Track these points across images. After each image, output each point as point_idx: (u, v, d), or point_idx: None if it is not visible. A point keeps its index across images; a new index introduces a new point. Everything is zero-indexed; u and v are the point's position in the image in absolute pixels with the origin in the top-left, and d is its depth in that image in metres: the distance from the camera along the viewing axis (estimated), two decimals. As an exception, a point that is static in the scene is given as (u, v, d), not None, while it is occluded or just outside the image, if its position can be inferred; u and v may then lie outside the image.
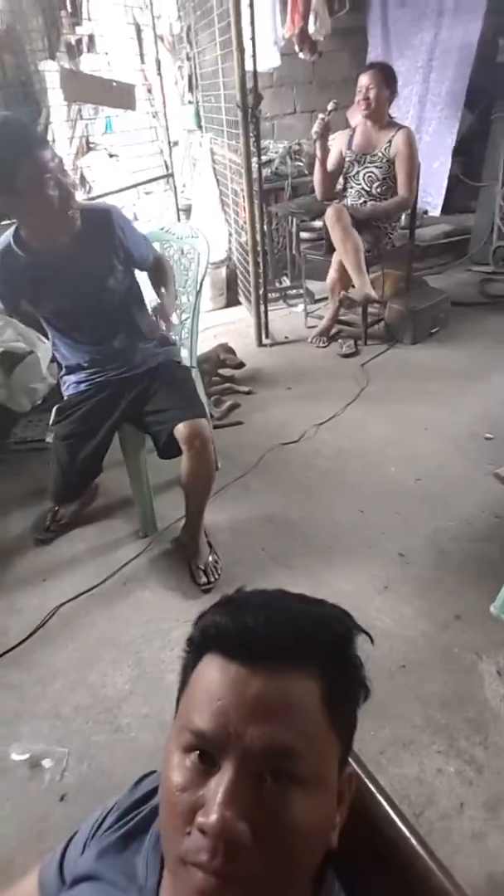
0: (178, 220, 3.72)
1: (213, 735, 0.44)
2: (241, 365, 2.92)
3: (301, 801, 0.43)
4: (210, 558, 1.83)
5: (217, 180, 3.89)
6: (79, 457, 1.74)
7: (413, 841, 0.52)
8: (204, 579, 1.78)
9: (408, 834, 0.53)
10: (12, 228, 1.61)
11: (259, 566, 1.83)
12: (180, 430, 1.64)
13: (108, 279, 1.67)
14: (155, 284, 1.85)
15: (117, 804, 0.64)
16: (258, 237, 3.08)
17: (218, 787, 0.43)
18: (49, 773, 1.31)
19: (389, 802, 0.55)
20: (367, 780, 0.57)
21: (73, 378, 1.83)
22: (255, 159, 2.91)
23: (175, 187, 3.69)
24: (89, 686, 1.51)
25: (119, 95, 2.92)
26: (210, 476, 1.76)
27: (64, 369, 1.87)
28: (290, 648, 0.46)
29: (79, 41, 3.87)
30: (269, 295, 3.41)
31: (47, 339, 2.24)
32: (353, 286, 3.01)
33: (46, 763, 1.33)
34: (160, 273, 1.85)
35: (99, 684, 1.51)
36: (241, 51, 2.58)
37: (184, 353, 2.01)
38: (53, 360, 2.30)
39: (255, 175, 2.96)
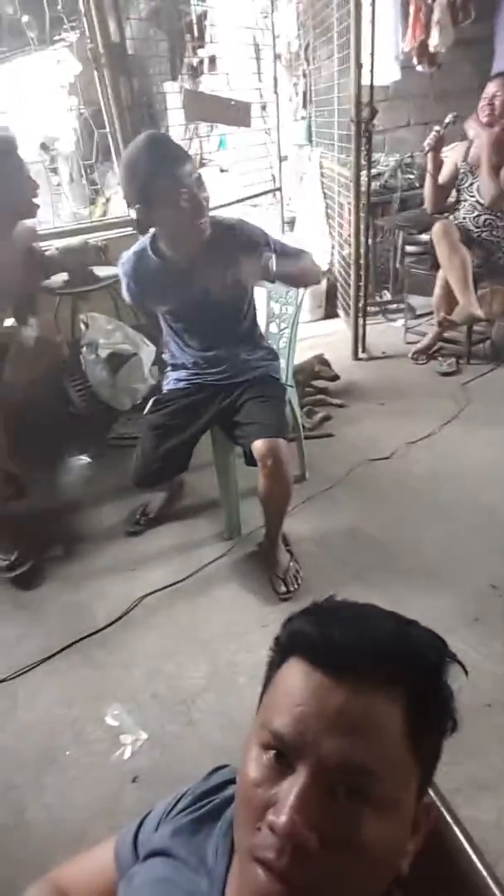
0: (283, 232, 3.79)
1: (290, 739, 0.45)
2: (335, 377, 2.91)
3: (372, 822, 0.43)
4: (290, 566, 1.84)
5: (324, 193, 3.92)
6: (161, 447, 1.82)
7: (490, 881, 0.50)
8: (283, 588, 1.79)
9: (483, 871, 0.50)
10: (150, 233, 1.74)
11: (338, 580, 1.81)
12: (257, 446, 1.68)
13: (226, 291, 1.75)
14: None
15: (190, 790, 0.67)
16: (361, 250, 3.07)
17: (290, 789, 0.43)
18: (125, 751, 1.38)
19: (466, 836, 0.53)
20: (444, 810, 0.55)
21: (174, 375, 1.94)
22: (364, 173, 2.90)
23: (282, 201, 3.76)
24: (167, 676, 1.57)
25: (236, 114, 3.04)
26: (285, 493, 1.77)
27: (169, 367, 1.99)
28: (377, 666, 0.45)
29: (200, 62, 4.07)
30: (369, 309, 3.38)
31: (153, 343, 2.37)
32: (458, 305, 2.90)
33: (124, 740, 1.40)
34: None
35: (176, 676, 1.57)
36: (360, 66, 2.59)
37: (280, 364, 2.05)
38: (155, 362, 2.44)
39: (363, 188, 2.95)
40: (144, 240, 1.76)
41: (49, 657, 1.64)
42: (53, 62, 3.18)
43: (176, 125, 3.59)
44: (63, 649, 1.66)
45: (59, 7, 2.41)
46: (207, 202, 1.65)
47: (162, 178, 1.54)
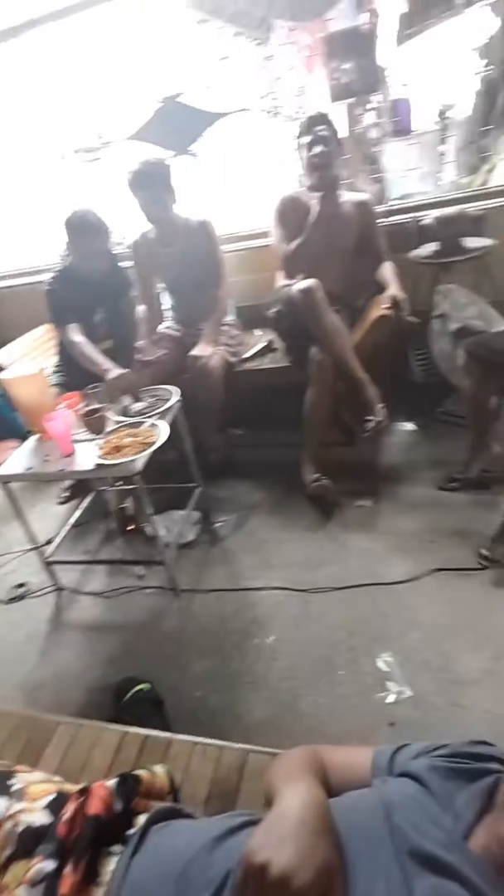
0: None
1: None
2: None
3: None
4: None
5: None
6: None
7: None
8: None
9: None
10: None
11: None
12: None
13: None
14: None
15: (452, 745, 0.72)
16: None
17: None
18: (388, 696, 1.49)
19: None
20: None
21: None
22: None
23: None
24: (443, 652, 1.58)
25: None
26: None
27: None
28: None
29: None
30: None
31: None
32: None
33: (390, 686, 1.51)
34: None
35: (452, 656, 1.57)
36: None
37: None
38: None
39: None
40: None
41: (343, 588, 1.85)
42: (470, 24, 3.09)
43: None
44: (356, 586, 1.84)
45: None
46: None
47: None
